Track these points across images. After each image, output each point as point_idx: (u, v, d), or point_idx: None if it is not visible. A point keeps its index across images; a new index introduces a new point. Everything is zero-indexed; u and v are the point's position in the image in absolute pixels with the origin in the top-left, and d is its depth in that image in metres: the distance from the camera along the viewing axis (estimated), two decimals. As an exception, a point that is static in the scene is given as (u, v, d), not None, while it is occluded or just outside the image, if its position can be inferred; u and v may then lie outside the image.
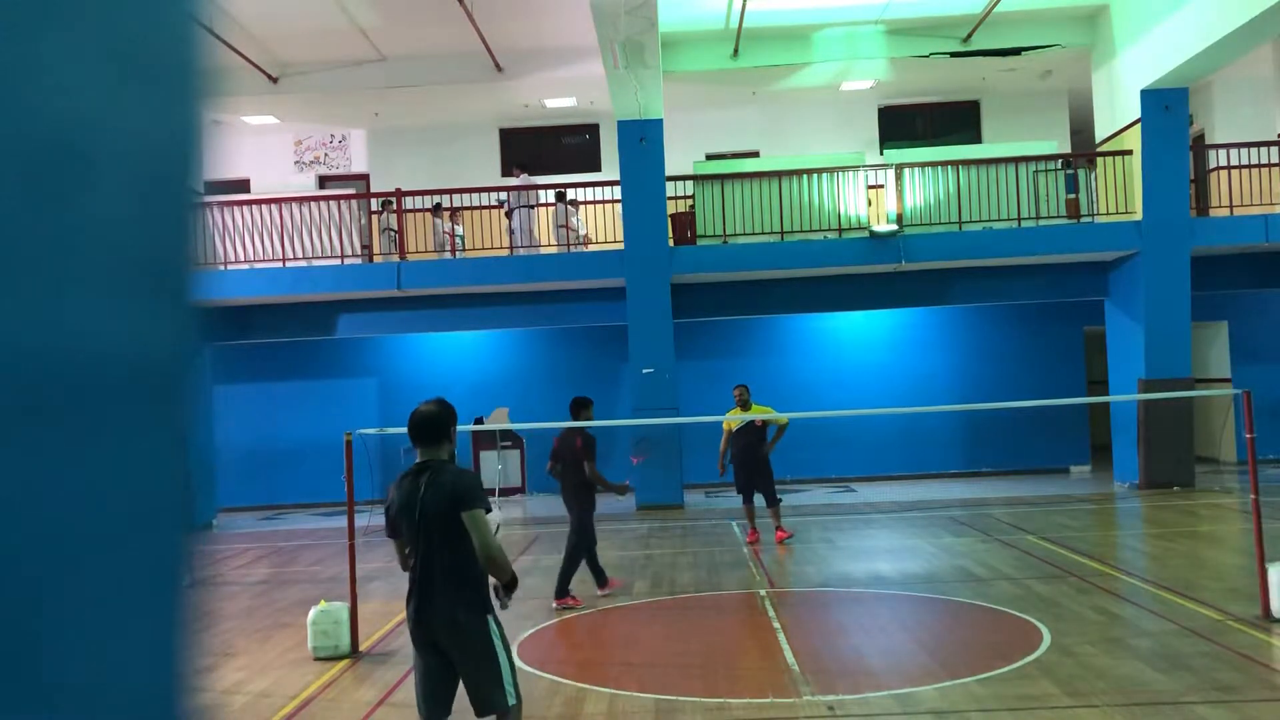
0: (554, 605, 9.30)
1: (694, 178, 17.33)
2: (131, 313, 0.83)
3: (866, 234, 16.73)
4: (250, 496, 19.02)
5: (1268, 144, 17.20)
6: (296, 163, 20.99)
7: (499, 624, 4.68)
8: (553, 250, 17.59)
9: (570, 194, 17.89)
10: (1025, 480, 18.18)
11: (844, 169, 17.16)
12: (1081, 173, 17.49)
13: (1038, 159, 17.18)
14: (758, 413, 12.00)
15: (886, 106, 20.62)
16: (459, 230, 18.09)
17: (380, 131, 20.76)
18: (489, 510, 4.58)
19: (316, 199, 18.14)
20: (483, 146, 20.69)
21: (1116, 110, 16.79)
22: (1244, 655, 6.91)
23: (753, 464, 12.22)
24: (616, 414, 18.07)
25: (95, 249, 0.80)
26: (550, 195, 18.10)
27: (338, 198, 18.29)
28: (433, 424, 4.71)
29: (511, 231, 17.65)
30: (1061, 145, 19.47)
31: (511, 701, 4.62)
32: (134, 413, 0.83)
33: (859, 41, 17.44)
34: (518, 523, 16.21)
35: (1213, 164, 18.00)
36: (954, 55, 17.58)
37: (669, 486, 16.34)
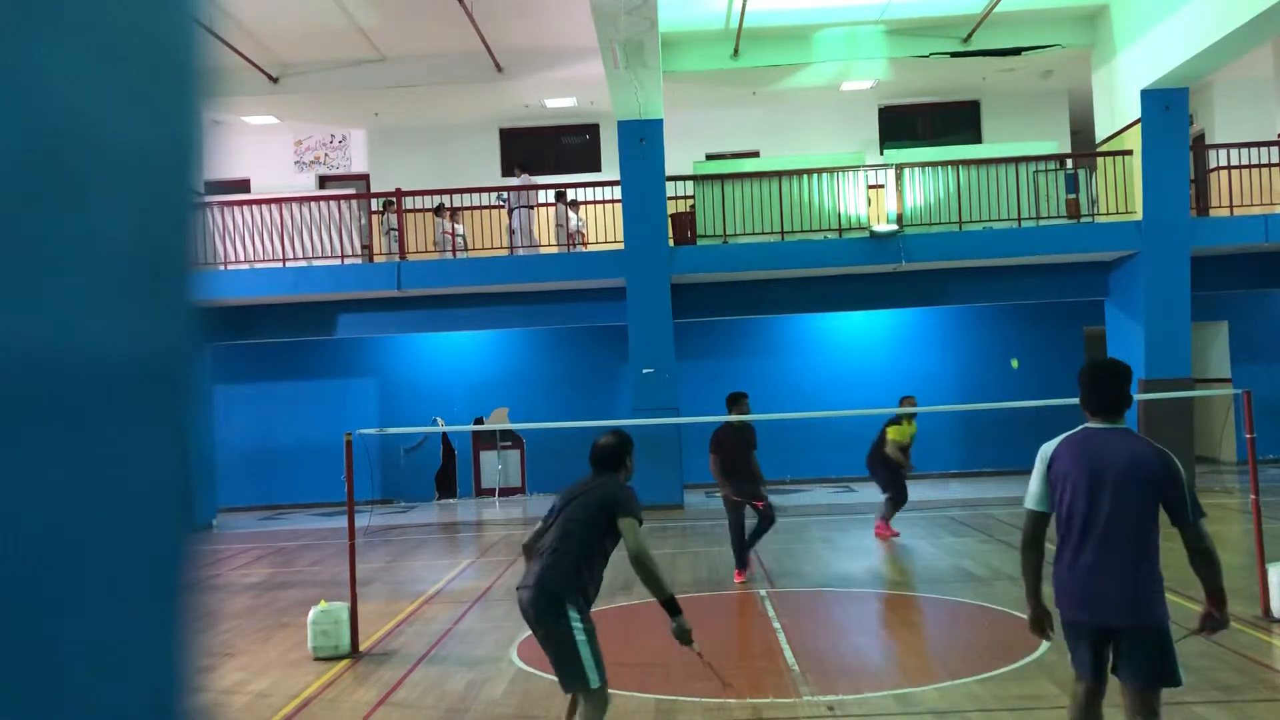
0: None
1: (694, 178, 17.32)
2: (131, 313, 0.83)
3: (866, 234, 16.73)
4: (250, 496, 19.02)
5: (1268, 144, 17.19)
6: (296, 163, 20.98)
7: (583, 617, 4.94)
8: (553, 250, 17.58)
9: (570, 194, 17.88)
10: (1025, 480, 18.06)
11: (844, 169, 17.15)
12: (1081, 173, 17.49)
13: (1038, 159, 17.16)
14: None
15: (886, 106, 20.61)
16: (459, 229, 18.08)
17: (380, 131, 20.75)
18: (641, 522, 5.00)
19: (316, 199, 18.13)
20: (483, 146, 20.68)
21: (1116, 110, 16.79)
22: (1244, 655, 6.91)
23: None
24: (616, 414, 18.08)
25: (95, 249, 0.80)
26: (550, 195, 18.09)
27: (338, 198, 18.29)
28: (608, 454, 5.25)
29: (512, 231, 17.65)
30: (1061, 145, 19.46)
31: (594, 685, 4.89)
32: (134, 412, 0.83)
33: (859, 41, 17.43)
34: (518, 523, 16.21)
35: (1213, 164, 17.99)
36: (954, 55, 17.57)
37: (669, 486, 16.33)
